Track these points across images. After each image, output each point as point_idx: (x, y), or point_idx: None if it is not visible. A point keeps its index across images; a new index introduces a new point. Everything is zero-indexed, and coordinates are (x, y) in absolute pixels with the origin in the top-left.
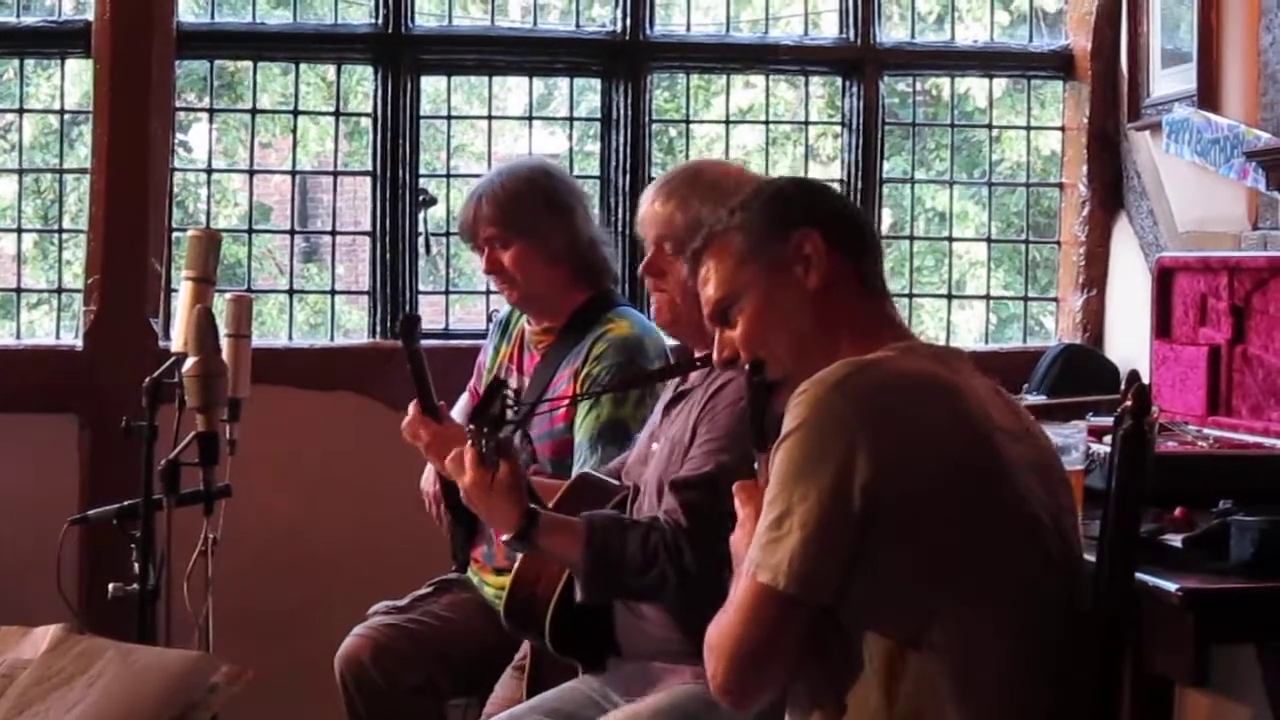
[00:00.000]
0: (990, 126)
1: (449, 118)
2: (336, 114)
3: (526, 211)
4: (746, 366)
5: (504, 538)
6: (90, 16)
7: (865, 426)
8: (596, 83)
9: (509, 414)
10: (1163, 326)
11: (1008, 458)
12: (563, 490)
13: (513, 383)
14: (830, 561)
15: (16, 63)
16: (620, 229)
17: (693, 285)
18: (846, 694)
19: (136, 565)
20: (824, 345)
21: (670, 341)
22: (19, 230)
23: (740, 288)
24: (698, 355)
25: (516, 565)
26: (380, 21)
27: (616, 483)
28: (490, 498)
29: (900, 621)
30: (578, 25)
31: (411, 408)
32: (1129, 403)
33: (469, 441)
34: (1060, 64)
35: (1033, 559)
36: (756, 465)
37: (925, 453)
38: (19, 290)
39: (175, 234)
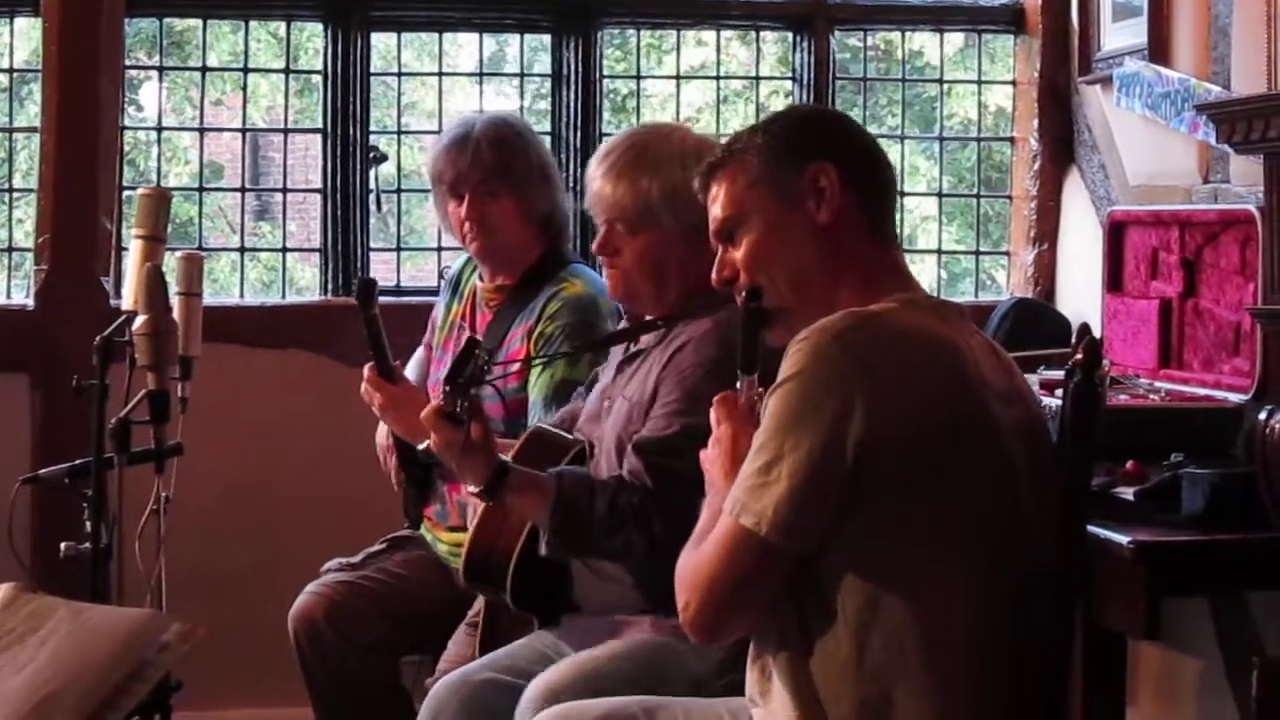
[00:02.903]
0: (941, 81)
1: (399, 74)
2: (286, 71)
3: (523, 167)
4: (743, 291)
5: (472, 490)
6: None
7: (864, 381)
8: (547, 39)
9: (484, 374)
10: (1114, 280)
11: (997, 420)
12: (518, 444)
13: None
14: (815, 513)
15: None
16: (571, 185)
17: (651, 256)
18: (816, 640)
19: (88, 524)
20: (825, 283)
21: None
22: None
23: (748, 210)
24: (650, 317)
25: (476, 522)
26: None
27: (571, 437)
28: (463, 455)
29: (876, 576)
30: None
31: (366, 370)
32: (1080, 356)
33: (442, 400)
34: (1011, 18)
35: (1008, 523)
36: (739, 385)
37: (918, 413)
38: None
39: (126, 193)
